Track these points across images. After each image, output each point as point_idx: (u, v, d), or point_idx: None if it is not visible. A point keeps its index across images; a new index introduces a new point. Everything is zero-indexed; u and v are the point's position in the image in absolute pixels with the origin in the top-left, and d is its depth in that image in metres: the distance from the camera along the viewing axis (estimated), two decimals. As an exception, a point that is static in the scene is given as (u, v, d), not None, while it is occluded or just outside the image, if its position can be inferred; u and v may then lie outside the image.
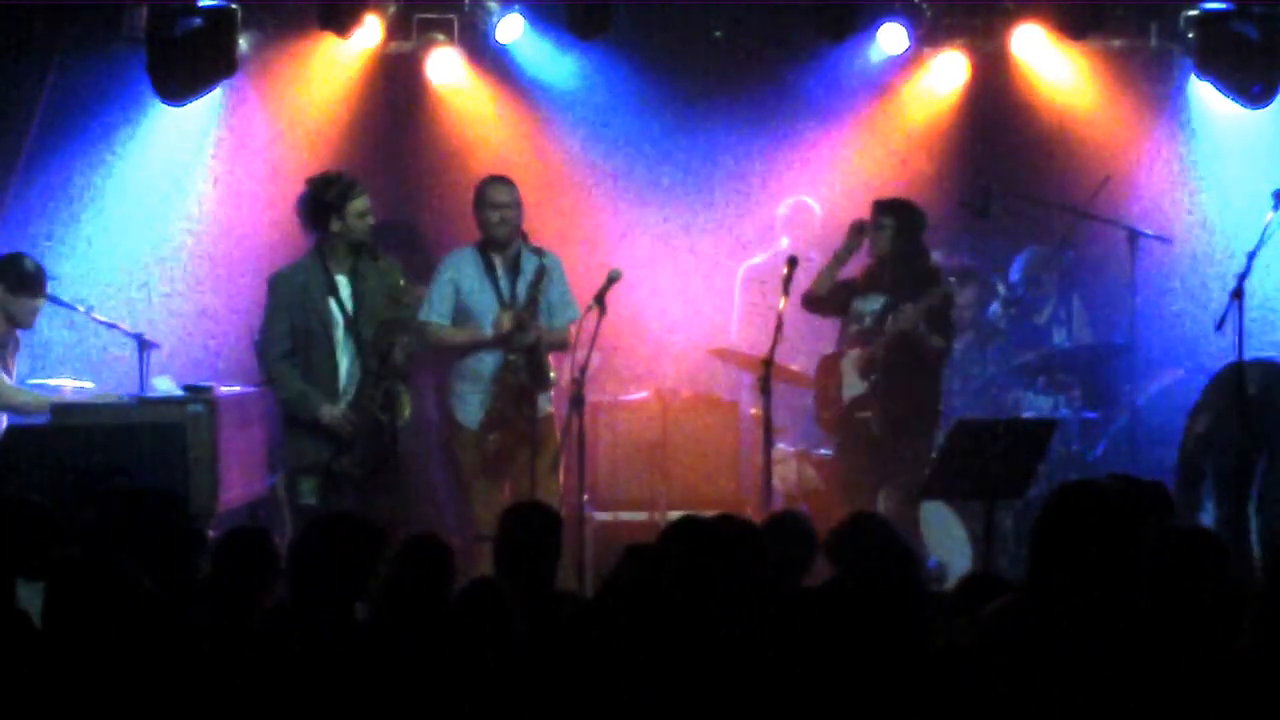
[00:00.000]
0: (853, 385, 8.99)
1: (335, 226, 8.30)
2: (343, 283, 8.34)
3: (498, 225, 8.70)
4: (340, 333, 8.34)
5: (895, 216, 8.96)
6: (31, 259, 8.87)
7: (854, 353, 8.99)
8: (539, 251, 8.77)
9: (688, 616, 4.68)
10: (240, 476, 8.61)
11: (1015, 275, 10.29)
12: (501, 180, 8.86)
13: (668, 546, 5.12)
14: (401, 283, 8.42)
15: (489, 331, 8.67)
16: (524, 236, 8.79)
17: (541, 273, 8.69)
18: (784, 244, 10.31)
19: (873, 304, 9.00)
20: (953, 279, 9.60)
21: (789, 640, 4.50)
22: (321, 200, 8.33)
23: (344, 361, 8.35)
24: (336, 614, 5.25)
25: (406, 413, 8.41)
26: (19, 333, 8.84)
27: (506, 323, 8.60)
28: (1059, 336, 10.30)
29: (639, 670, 4.52)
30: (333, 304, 8.31)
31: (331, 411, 8.28)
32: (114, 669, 4.58)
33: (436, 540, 5.56)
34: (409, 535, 5.73)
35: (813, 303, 9.10)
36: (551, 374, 8.77)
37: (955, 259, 10.33)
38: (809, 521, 6.11)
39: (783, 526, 5.95)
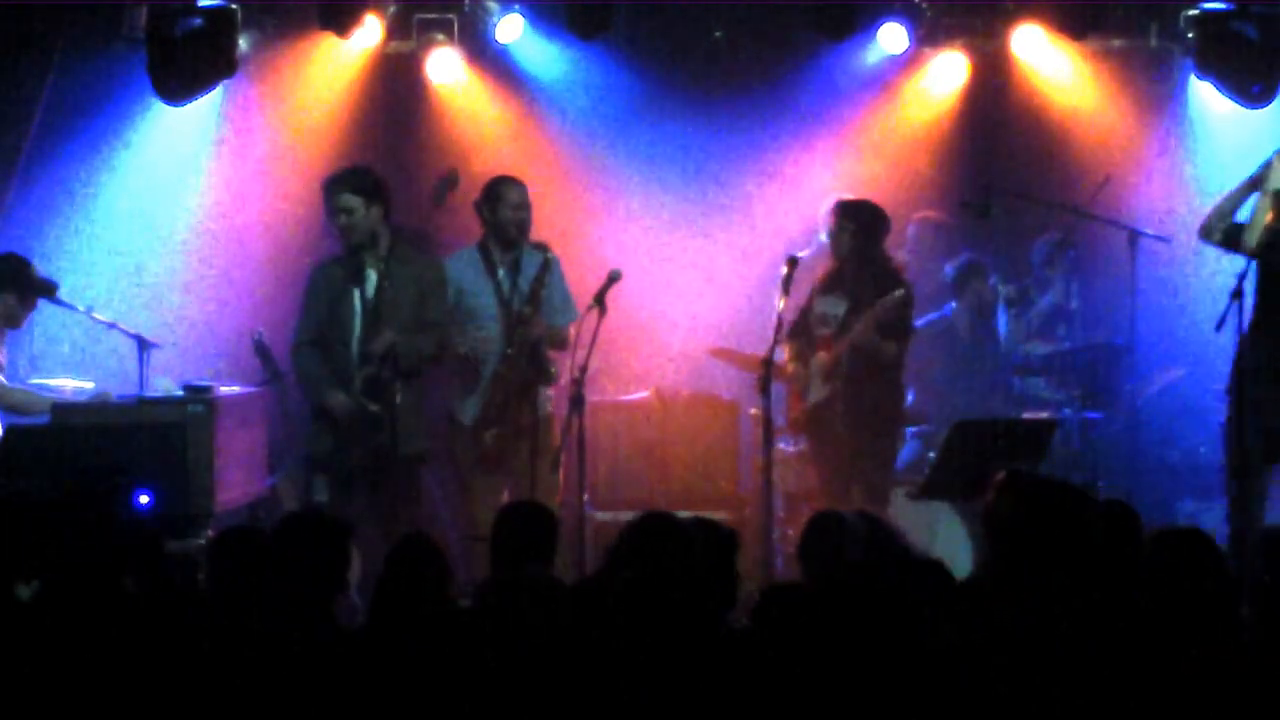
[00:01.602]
0: (817, 390, 9.00)
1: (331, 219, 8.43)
2: (369, 274, 8.38)
3: (514, 225, 8.71)
4: (357, 322, 8.37)
5: (855, 219, 8.96)
6: (24, 261, 8.89)
7: (819, 356, 9.00)
8: (541, 247, 8.79)
9: (667, 613, 4.69)
10: (240, 476, 8.61)
11: (1038, 257, 10.33)
12: (516, 180, 8.88)
13: (628, 541, 5.15)
14: (433, 277, 8.50)
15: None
16: (542, 247, 8.80)
17: (545, 268, 8.71)
18: (824, 239, 10.24)
19: (836, 306, 9.00)
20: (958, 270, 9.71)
21: (783, 643, 4.51)
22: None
23: (358, 350, 8.37)
24: (315, 613, 5.26)
25: (399, 403, 8.41)
26: (8, 331, 8.86)
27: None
28: (1060, 330, 10.30)
29: (625, 665, 4.54)
30: (355, 293, 8.35)
31: (335, 396, 8.31)
32: (110, 668, 4.58)
33: (427, 540, 5.57)
34: (402, 535, 5.75)
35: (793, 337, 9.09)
36: (553, 369, 8.77)
37: (962, 255, 10.36)
38: (843, 522, 6.11)
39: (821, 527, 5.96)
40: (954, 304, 10.38)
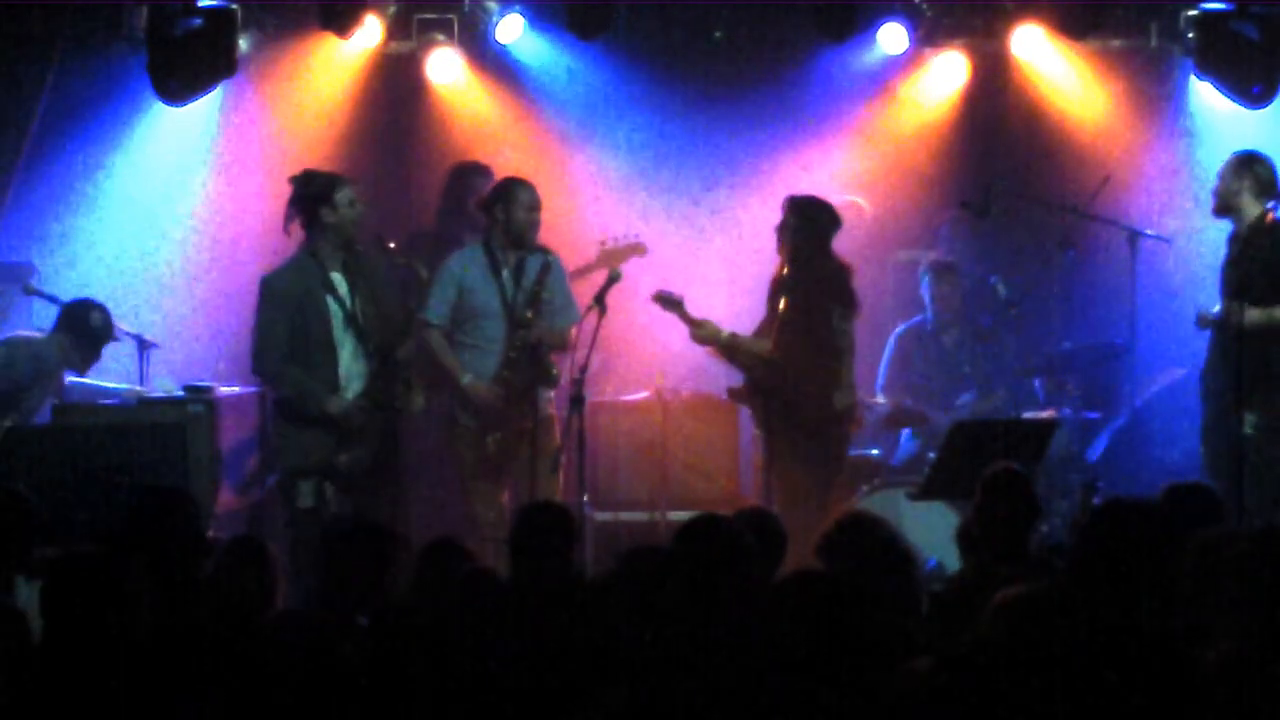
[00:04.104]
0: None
1: (328, 217, 8.25)
2: (338, 279, 8.32)
3: (528, 225, 8.73)
4: (339, 328, 8.30)
5: (797, 215, 8.76)
6: (100, 311, 8.89)
7: None
8: (542, 250, 8.80)
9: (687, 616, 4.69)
10: (239, 477, 8.61)
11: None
12: (527, 182, 8.88)
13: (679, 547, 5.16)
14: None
15: (467, 379, 8.66)
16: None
17: (545, 270, 8.71)
18: None
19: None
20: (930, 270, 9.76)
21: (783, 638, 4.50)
22: (310, 194, 8.30)
23: (344, 356, 8.31)
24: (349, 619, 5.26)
25: (420, 401, 8.41)
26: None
27: (489, 398, 8.61)
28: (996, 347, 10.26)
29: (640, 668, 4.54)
30: (330, 300, 8.27)
31: (339, 403, 8.22)
32: (111, 670, 4.58)
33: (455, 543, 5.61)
34: (434, 540, 5.78)
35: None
36: (555, 371, 8.77)
37: (935, 252, 10.38)
38: (778, 519, 6.14)
39: (752, 524, 5.95)
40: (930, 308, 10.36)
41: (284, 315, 8.23)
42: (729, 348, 8.81)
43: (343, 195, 8.25)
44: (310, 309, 8.24)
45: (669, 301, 8.92)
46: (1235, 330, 8.26)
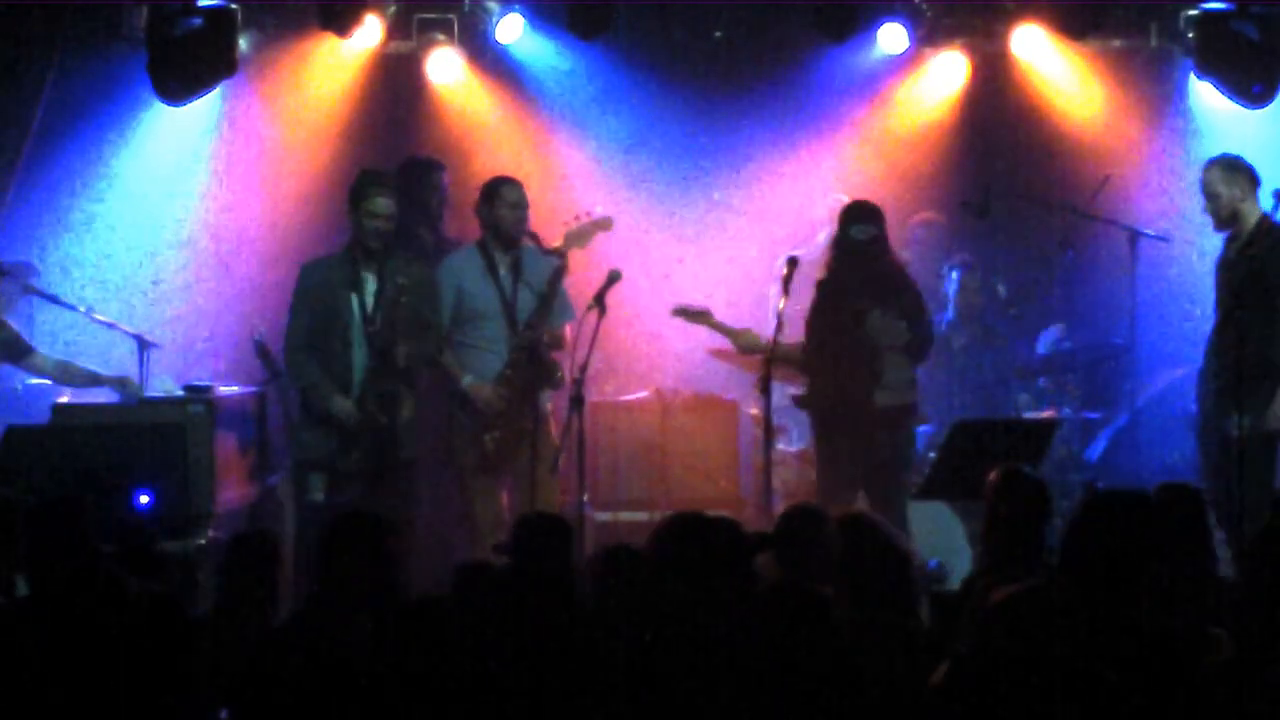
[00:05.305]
0: None
1: (351, 216, 8.38)
2: (367, 279, 8.37)
3: (517, 224, 8.75)
4: (356, 328, 8.35)
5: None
6: None
7: None
8: (554, 252, 8.83)
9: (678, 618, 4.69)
10: (240, 476, 8.61)
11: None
12: (513, 180, 8.92)
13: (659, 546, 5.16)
14: (426, 278, 8.55)
15: (468, 380, 8.67)
16: (534, 238, 8.85)
17: (559, 274, 8.73)
18: (822, 239, 10.19)
19: None
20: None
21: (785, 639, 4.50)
22: (350, 190, 8.44)
23: (359, 357, 8.37)
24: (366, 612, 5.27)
25: (406, 413, 8.44)
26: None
27: (491, 399, 8.62)
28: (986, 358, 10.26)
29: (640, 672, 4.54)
30: (353, 299, 8.33)
31: (342, 404, 8.29)
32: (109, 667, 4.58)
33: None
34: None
35: None
36: (559, 373, 8.78)
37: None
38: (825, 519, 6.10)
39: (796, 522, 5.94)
40: (952, 305, 10.37)
41: (306, 306, 8.42)
42: (771, 354, 8.77)
43: (370, 205, 8.34)
44: (331, 304, 8.35)
45: (693, 315, 8.92)
46: (1235, 333, 8.23)
